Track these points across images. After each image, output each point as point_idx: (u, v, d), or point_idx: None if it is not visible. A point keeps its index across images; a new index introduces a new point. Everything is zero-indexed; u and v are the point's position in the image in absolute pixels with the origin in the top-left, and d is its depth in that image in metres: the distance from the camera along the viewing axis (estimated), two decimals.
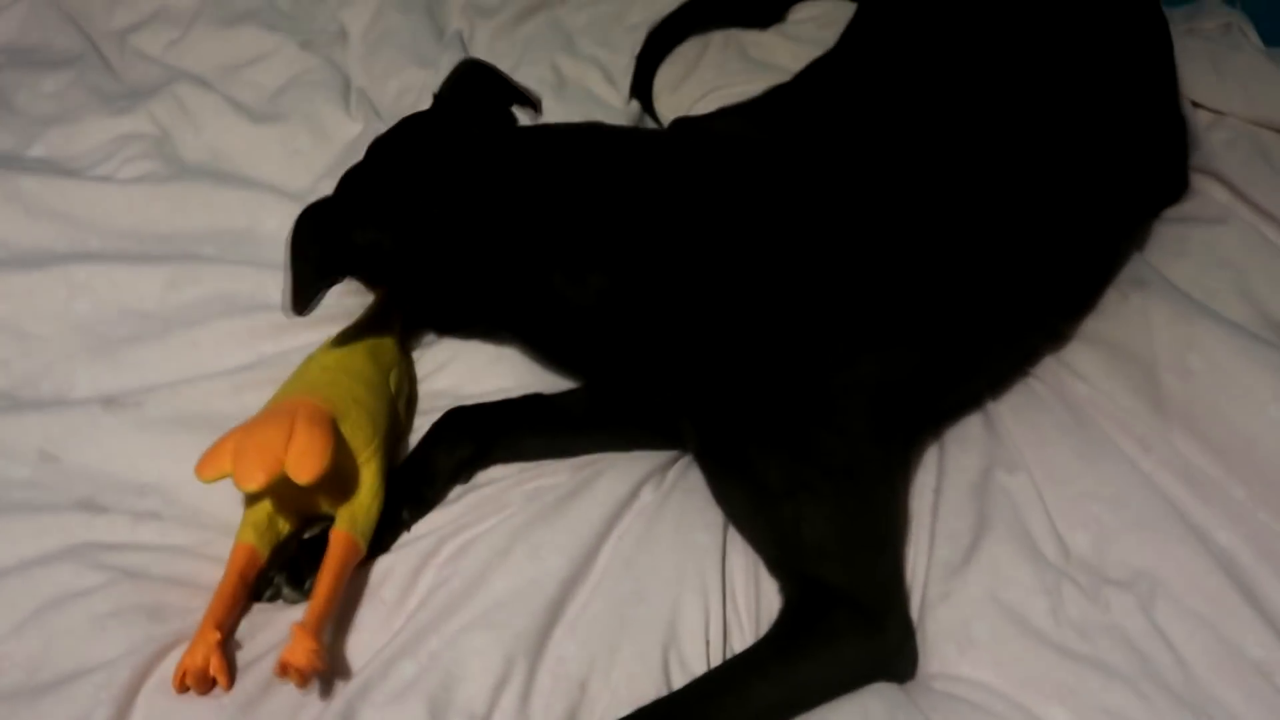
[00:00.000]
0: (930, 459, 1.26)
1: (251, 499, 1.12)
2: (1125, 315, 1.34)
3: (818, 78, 1.48)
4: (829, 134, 1.28)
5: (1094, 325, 1.36)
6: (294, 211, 1.44)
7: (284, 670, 0.98)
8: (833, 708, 1.04)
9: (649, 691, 1.04)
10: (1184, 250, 1.46)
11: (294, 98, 1.65)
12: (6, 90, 1.68)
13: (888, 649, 1.08)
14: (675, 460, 1.26)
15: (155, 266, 1.40)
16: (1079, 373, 1.33)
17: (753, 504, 1.14)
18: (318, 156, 1.55)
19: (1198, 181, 1.56)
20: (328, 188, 1.45)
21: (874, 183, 1.20)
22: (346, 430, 1.14)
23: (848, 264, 1.14)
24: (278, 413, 1.10)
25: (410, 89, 1.67)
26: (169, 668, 1.02)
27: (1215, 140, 1.62)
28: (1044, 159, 1.28)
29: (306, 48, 1.73)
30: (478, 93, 1.35)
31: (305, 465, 1.04)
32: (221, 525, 1.14)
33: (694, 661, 1.08)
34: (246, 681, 1.03)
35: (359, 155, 1.50)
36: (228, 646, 1.04)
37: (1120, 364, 1.31)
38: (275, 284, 1.34)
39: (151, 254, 1.43)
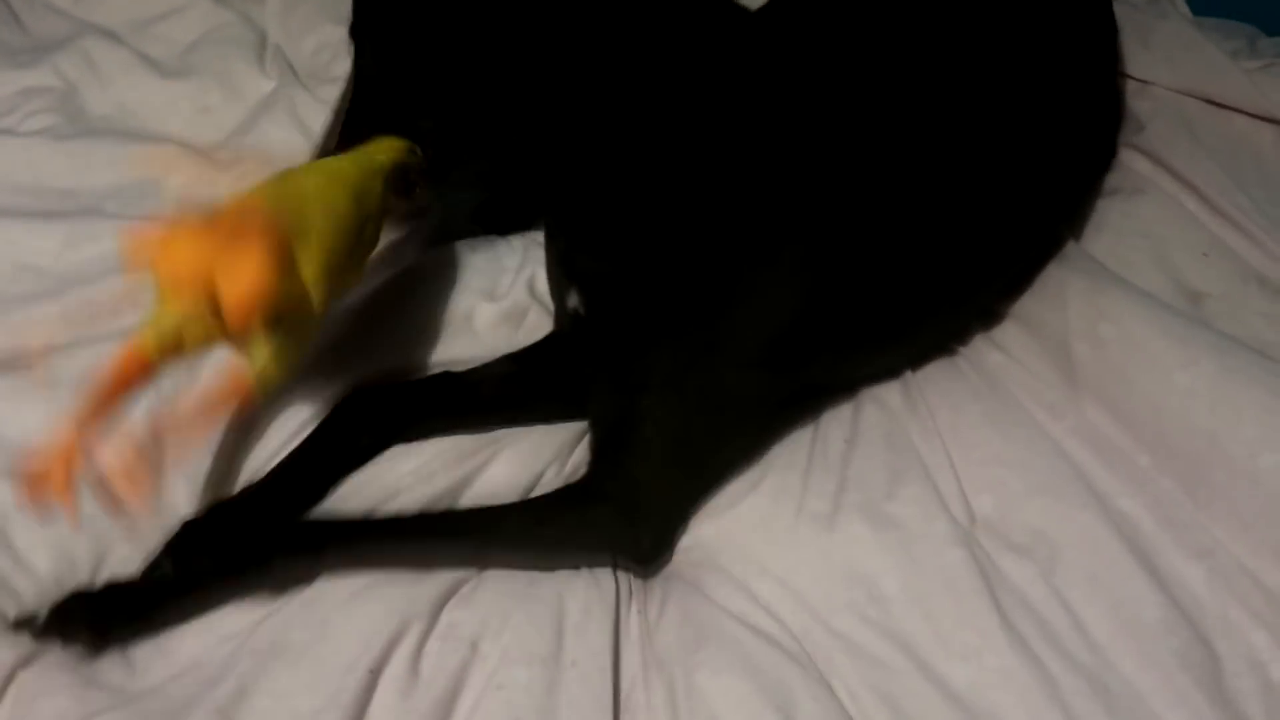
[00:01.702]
0: (845, 413, 1.26)
1: (164, 306, 0.91)
2: (1043, 286, 1.34)
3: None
4: (786, 70, 1.24)
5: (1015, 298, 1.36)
6: (203, 169, 1.43)
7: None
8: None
9: (540, 650, 1.03)
10: (1103, 222, 1.46)
11: (206, 54, 1.61)
12: None
13: (635, 541, 1.13)
14: (579, 441, 1.25)
15: (53, 222, 1.35)
16: (997, 343, 1.33)
17: (614, 386, 1.16)
18: (228, 113, 1.51)
19: (1122, 154, 1.56)
20: (236, 145, 1.44)
21: (825, 127, 1.19)
22: (305, 265, 0.96)
23: (788, 196, 1.14)
24: (230, 221, 0.91)
25: (327, 45, 1.62)
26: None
27: (1140, 110, 1.62)
28: (986, 129, 1.27)
29: (221, 3, 1.68)
30: None
31: (240, 284, 0.87)
32: None
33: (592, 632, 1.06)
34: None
35: (271, 113, 1.49)
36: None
37: (1036, 334, 1.32)
38: None
39: (51, 210, 1.38)
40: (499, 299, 1.36)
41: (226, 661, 1.01)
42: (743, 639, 1.05)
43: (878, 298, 1.20)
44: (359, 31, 1.21)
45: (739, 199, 1.14)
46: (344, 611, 1.04)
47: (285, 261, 0.93)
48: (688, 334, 1.15)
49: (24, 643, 0.99)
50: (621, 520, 1.14)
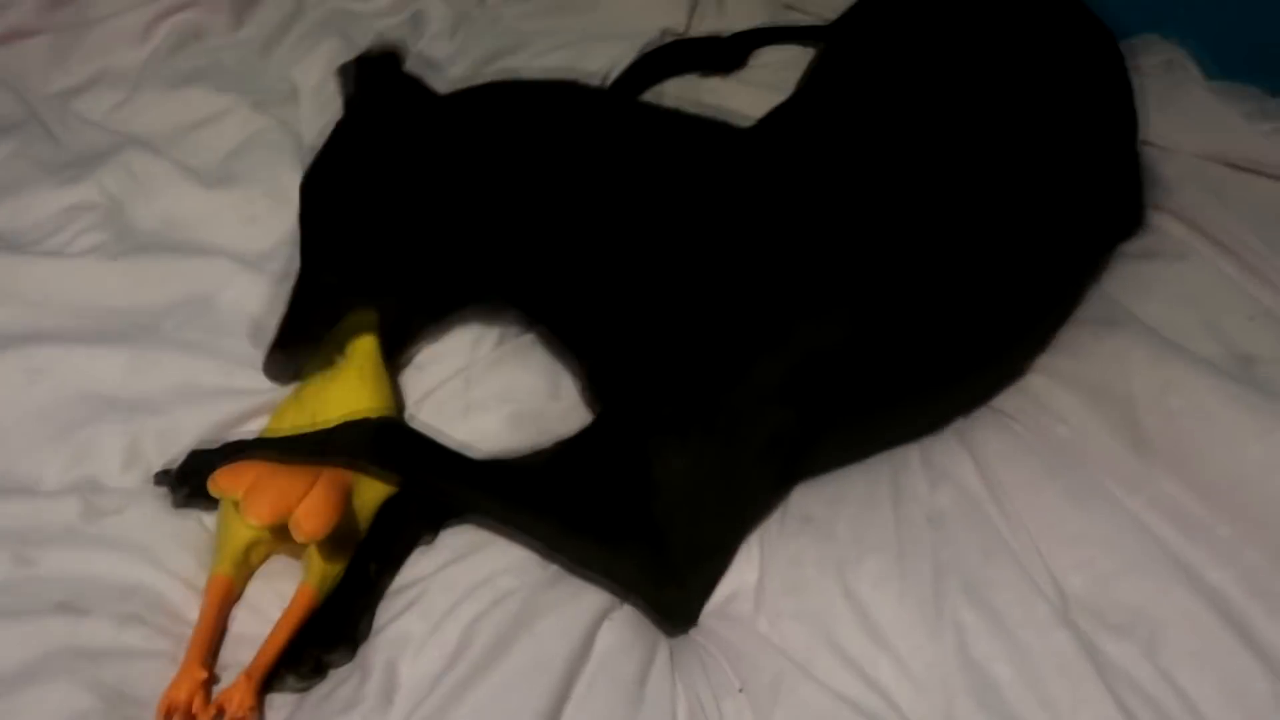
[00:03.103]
0: (920, 490, 1.27)
1: (227, 532, 1.15)
2: (1101, 357, 1.36)
3: (784, 119, 1.49)
4: (801, 160, 1.32)
5: (1070, 366, 1.37)
6: (253, 279, 1.43)
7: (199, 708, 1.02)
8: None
9: None
10: (1149, 289, 1.48)
11: (248, 161, 1.61)
12: None
13: (663, 599, 1.16)
14: None
15: (115, 346, 1.35)
16: (1059, 415, 1.33)
17: (620, 431, 1.22)
18: (275, 221, 1.51)
19: (1154, 218, 1.59)
20: (286, 252, 1.43)
21: (841, 197, 1.26)
22: (356, 501, 1.17)
23: (804, 248, 1.22)
24: (304, 468, 1.15)
25: None
26: None
27: (1166, 175, 1.65)
28: (1002, 188, 1.31)
29: (258, 108, 1.69)
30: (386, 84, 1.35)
31: (310, 524, 1.09)
32: None
33: None
34: None
35: None
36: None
37: (1100, 406, 1.32)
38: (238, 367, 1.35)
39: (110, 331, 1.38)
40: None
41: None
42: None
43: (900, 344, 1.23)
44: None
45: (774, 259, 1.21)
46: None
47: (346, 496, 1.16)
48: (697, 373, 1.18)
49: None
50: (646, 576, 1.16)
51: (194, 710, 1.02)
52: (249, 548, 1.15)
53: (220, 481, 1.12)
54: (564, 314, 1.33)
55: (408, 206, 1.23)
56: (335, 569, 1.15)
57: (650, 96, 1.83)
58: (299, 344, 1.30)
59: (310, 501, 1.10)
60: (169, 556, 1.18)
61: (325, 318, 1.31)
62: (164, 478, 1.24)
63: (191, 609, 1.14)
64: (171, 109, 1.68)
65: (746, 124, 1.49)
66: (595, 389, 1.33)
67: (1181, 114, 1.72)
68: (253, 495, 1.09)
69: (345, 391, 1.27)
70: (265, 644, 1.08)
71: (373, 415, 1.25)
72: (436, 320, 1.44)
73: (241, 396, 1.33)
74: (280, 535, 1.13)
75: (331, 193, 1.27)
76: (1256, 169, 1.67)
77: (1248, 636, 1.12)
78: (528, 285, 1.32)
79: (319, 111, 1.67)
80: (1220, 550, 1.19)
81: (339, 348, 1.32)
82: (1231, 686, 1.08)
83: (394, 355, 1.38)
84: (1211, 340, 1.41)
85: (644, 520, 1.16)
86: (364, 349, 1.31)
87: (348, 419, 1.23)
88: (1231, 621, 1.13)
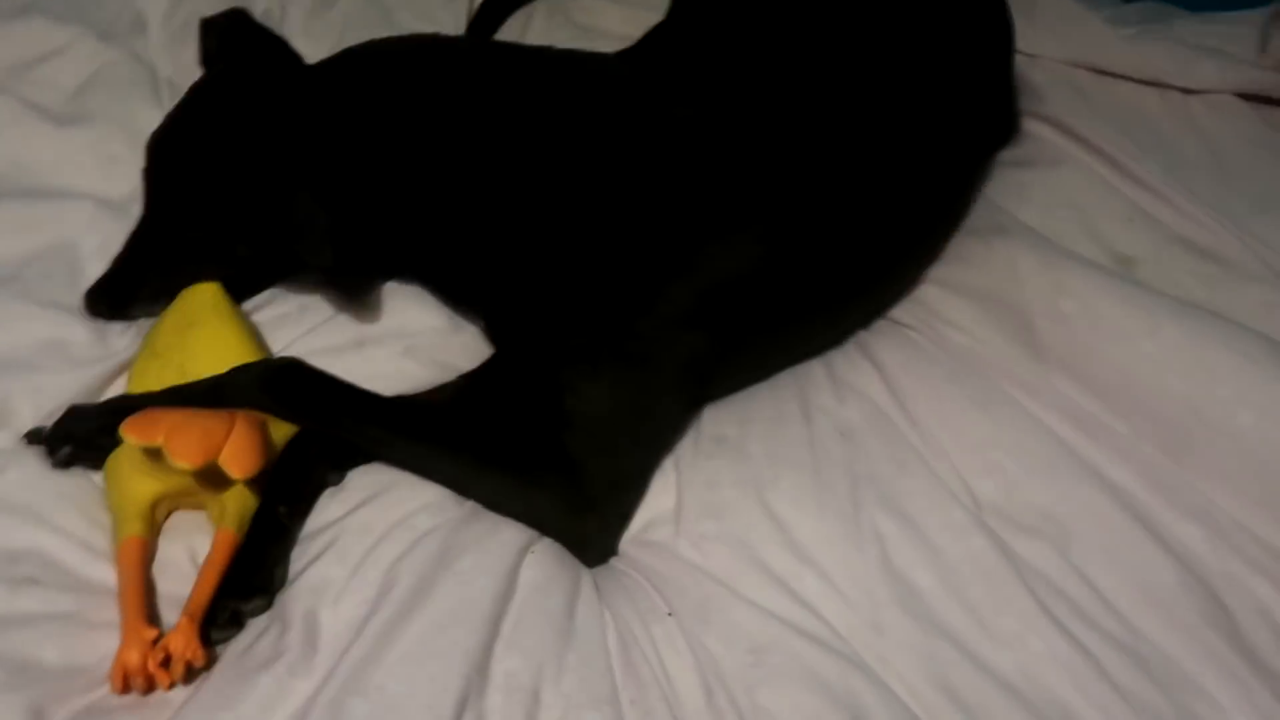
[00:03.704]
0: (828, 403, 1.27)
1: (127, 492, 1.10)
2: (992, 264, 1.39)
3: (666, 43, 1.46)
4: (689, 84, 1.30)
5: (962, 275, 1.40)
6: (119, 224, 1.34)
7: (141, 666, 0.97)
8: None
9: (601, 692, 1.01)
10: (1027, 194, 1.52)
11: (99, 97, 1.50)
12: None
13: (581, 531, 1.15)
14: None
15: None
16: (955, 324, 1.36)
17: (526, 364, 1.21)
18: (137, 161, 1.40)
19: (1028, 124, 1.62)
20: None
21: (734, 119, 1.25)
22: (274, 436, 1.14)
23: (703, 171, 1.20)
24: (216, 411, 1.10)
25: None
26: None
27: (1036, 82, 1.69)
28: (886, 99, 1.32)
29: (105, 39, 1.56)
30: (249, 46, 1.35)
31: (242, 462, 1.06)
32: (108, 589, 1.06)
33: (637, 661, 1.05)
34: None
35: None
36: None
37: (994, 312, 1.35)
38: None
39: None
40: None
41: None
42: (799, 649, 1.06)
43: (804, 260, 1.24)
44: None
45: (672, 183, 1.20)
46: (398, 676, 0.99)
47: (267, 436, 1.13)
48: (606, 302, 1.18)
49: None
50: (563, 510, 1.15)
51: (151, 670, 0.97)
52: (154, 504, 1.10)
53: (133, 430, 1.05)
54: (451, 276, 1.30)
55: (259, 179, 1.21)
56: (250, 513, 1.11)
57: (519, 18, 1.78)
58: (125, 298, 1.28)
59: (238, 439, 1.06)
60: (57, 515, 1.11)
61: (163, 277, 1.27)
62: (36, 435, 1.17)
63: (88, 567, 1.08)
64: (9, 42, 1.54)
65: (622, 45, 1.46)
66: (495, 331, 1.30)
67: (1046, 22, 1.76)
68: (176, 438, 1.04)
69: (210, 339, 1.22)
70: (196, 587, 1.04)
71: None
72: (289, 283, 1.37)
73: (115, 353, 1.26)
74: (197, 482, 1.08)
75: (180, 160, 1.25)
76: (1120, 73, 1.71)
77: (1152, 529, 1.17)
78: (406, 256, 1.30)
79: (170, 41, 1.58)
80: (1120, 447, 1.24)
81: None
82: (1141, 578, 1.13)
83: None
84: (1092, 243, 1.46)
85: (558, 453, 1.15)
86: (208, 294, 1.26)
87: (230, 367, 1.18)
88: (1137, 516, 1.17)
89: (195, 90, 1.31)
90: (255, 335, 1.27)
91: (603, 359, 1.17)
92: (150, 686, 0.99)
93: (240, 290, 1.31)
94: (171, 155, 1.28)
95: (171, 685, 0.99)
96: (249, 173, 1.22)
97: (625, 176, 1.20)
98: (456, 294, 1.33)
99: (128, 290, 1.27)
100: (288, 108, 1.23)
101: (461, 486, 1.16)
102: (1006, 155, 1.57)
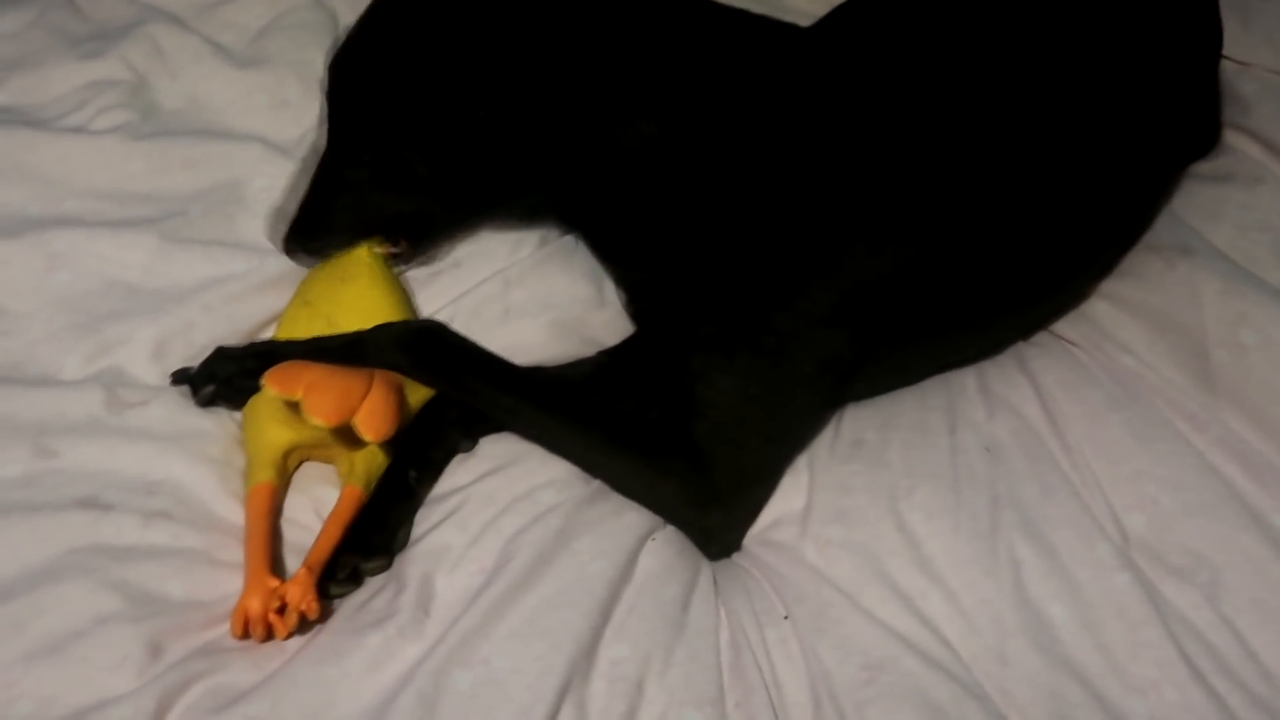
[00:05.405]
0: (978, 417, 1.22)
1: (263, 438, 1.12)
2: (1171, 285, 1.30)
3: (843, 26, 1.41)
4: (861, 72, 1.24)
5: (1137, 293, 1.31)
6: (284, 167, 1.37)
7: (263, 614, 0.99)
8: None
9: (707, 692, 0.99)
10: (1220, 212, 1.41)
11: (279, 41, 1.52)
12: None
13: (705, 523, 1.12)
14: None
15: (140, 232, 1.29)
16: (1124, 345, 1.28)
17: (663, 347, 1.18)
18: (307, 107, 1.43)
19: (1229, 137, 1.52)
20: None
21: (902, 114, 1.19)
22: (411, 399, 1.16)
23: (862, 165, 1.15)
24: (356, 369, 1.11)
25: None
26: (195, 696, 0.95)
27: (1244, 93, 1.58)
28: (1070, 101, 1.24)
29: None
30: None
31: (376, 424, 1.07)
32: (235, 529, 1.08)
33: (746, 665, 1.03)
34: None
35: None
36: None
37: (1167, 336, 1.27)
38: (267, 260, 1.30)
39: (134, 218, 1.32)
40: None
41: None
42: (915, 670, 1.02)
43: (958, 267, 1.18)
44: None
45: (832, 179, 1.15)
46: (505, 651, 0.99)
47: (403, 400, 1.14)
48: (745, 292, 1.14)
49: None
50: (687, 499, 1.13)
51: (269, 619, 0.99)
52: (287, 453, 1.12)
53: (275, 381, 1.07)
54: (606, 223, 1.27)
55: (445, 96, 1.16)
56: (378, 472, 1.12)
57: None
58: (318, 235, 1.26)
59: (373, 401, 1.07)
60: (197, 452, 1.13)
61: (349, 209, 1.26)
62: (182, 375, 1.19)
63: (221, 506, 1.10)
64: None
65: (806, 23, 1.41)
66: (635, 304, 1.28)
67: (1263, 28, 1.63)
68: (314, 395, 1.05)
69: (360, 296, 1.23)
70: (318, 541, 1.05)
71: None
72: (468, 221, 1.37)
73: (270, 292, 1.28)
74: (331, 437, 1.10)
75: (363, 78, 1.21)
76: None
77: None
78: (568, 188, 1.26)
79: None
80: None
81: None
82: None
83: (425, 257, 1.34)
84: None
85: (687, 441, 1.13)
86: (364, 253, 1.27)
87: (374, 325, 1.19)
88: None
89: (372, 7, 1.25)
90: (406, 299, 1.28)
91: (737, 350, 1.13)
92: (268, 634, 1.00)
93: (420, 230, 1.31)
94: (345, 76, 1.24)
95: (289, 635, 1.01)
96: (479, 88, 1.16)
97: (786, 163, 1.16)
98: (602, 245, 1.31)
99: (320, 227, 1.27)
100: (454, 23, 1.17)
101: (588, 464, 1.15)
102: (1202, 169, 1.47)
